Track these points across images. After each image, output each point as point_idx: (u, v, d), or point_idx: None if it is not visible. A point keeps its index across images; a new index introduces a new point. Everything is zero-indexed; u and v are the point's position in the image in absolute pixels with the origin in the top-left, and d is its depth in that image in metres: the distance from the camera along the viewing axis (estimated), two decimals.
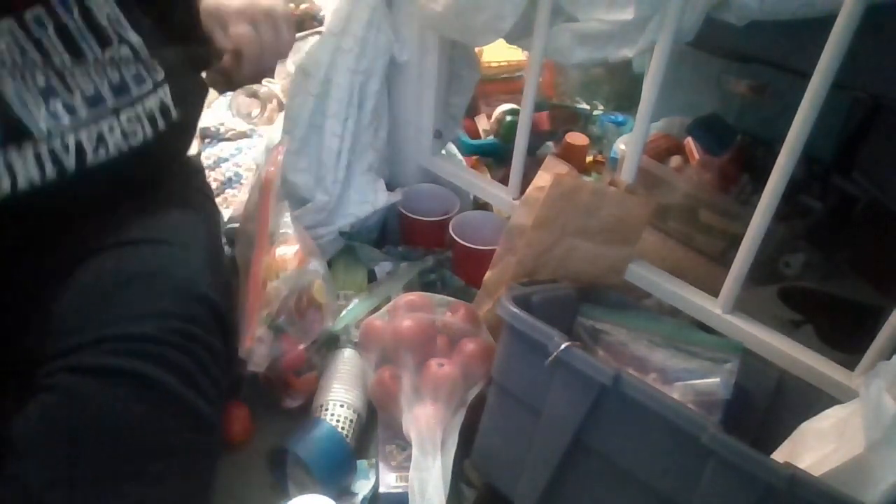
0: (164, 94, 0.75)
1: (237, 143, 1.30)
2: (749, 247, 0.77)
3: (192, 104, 0.82)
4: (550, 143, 1.39)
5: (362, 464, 0.80)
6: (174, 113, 0.76)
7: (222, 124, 1.33)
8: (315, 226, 1.02)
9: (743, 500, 0.56)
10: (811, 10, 0.68)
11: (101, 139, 0.69)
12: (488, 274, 0.89)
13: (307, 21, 1.65)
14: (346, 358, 0.89)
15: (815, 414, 0.65)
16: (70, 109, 0.67)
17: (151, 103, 0.73)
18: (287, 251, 0.88)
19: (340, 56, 0.96)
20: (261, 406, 0.87)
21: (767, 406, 0.78)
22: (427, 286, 1.03)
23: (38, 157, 0.65)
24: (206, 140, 1.32)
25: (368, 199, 1.06)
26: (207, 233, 0.80)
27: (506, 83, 1.49)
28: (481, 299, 0.90)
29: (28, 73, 0.65)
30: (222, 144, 1.30)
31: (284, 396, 0.87)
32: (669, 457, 0.60)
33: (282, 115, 1.13)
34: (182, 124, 0.78)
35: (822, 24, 0.64)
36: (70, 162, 0.67)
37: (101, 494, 0.57)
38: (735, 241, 0.79)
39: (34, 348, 0.62)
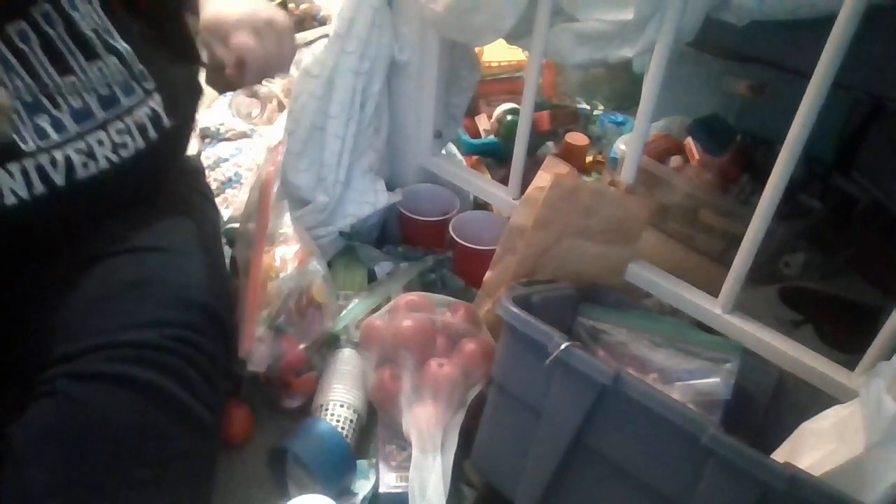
0: (156, 103, 0.74)
1: (237, 143, 1.30)
2: (749, 247, 0.77)
3: (184, 111, 0.81)
4: (550, 143, 1.39)
5: (362, 464, 0.80)
6: (166, 122, 0.75)
7: (222, 124, 1.33)
8: (315, 226, 1.02)
9: (743, 500, 0.56)
10: (811, 10, 0.68)
11: (90, 154, 0.68)
12: (488, 274, 0.89)
13: (307, 20, 1.65)
14: (346, 358, 0.89)
15: (815, 414, 0.65)
16: (57, 126, 0.66)
17: (142, 113, 0.72)
18: (287, 251, 0.88)
19: (343, 57, 0.96)
20: (261, 406, 0.87)
21: (767, 406, 0.78)
22: (427, 286, 1.03)
23: (24, 173, 0.65)
24: (206, 140, 1.32)
25: (368, 199, 1.06)
26: (206, 237, 0.80)
27: (506, 83, 1.49)
28: (481, 299, 0.90)
29: (13, 89, 0.64)
30: (222, 144, 1.30)
31: (284, 396, 0.87)
32: (669, 457, 0.60)
33: (282, 115, 1.13)
34: (175, 133, 0.78)
35: (822, 24, 0.64)
36: (59, 177, 0.66)
37: (100, 499, 0.57)
38: (735, 241, 0.79)
39: (34, 354, 0.62)
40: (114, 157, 0.70)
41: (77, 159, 0.67)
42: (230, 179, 1.23)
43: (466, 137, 1.38)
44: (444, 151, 1.18)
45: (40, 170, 0.65)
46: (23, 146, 0.64)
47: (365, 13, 0.95)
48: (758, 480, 0.55)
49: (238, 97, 1.42)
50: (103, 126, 0.69)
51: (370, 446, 0.84)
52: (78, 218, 0.69)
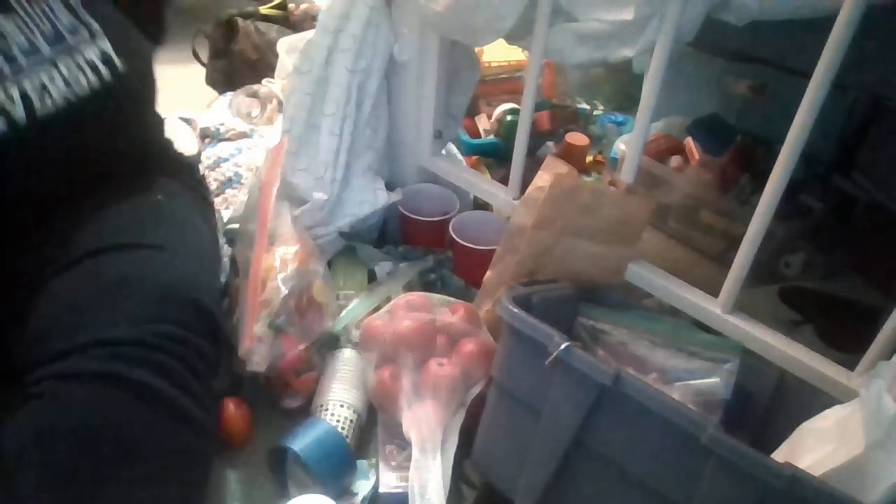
0: (104, 44, 0.75)
1: (237, 143, 1.30)
2: (749, 247, 0.77)
3: (138, 57, 0.81)
4: (550, 143, 1.39)
5: (362, 464, 0.80)
6: (119, 63, 0.75)
7: (222, 124, 1.33)
8: (314, 225, 1.02)
9: (743, 500, 0.56)
10: (811, 11, 0.68)
11: (44, 88, 0.69)
12: (488, 274, 0.89)
13: (307, 21, 1.65)
14: (346, 358, 0.89)
15: (815, 414, 0.65)
16: (8, 58, 0.67)
17: (92, 53, 0.73)
18: (287, 251, 0.88)
19: (338, 55, 0.96)
20: (261, 406, 0.87)
21: (767, 406, 0.78)
22: (427, 286, 1.03)
23: None
24: (206, 140, 1.32)
25: (368, 198, 1.06)
26: (202, 235, 0.79)
27: (506, 83, 1.49)
28: (481, 299, 0.90)
29: None
30: (222, 144, 1.30)
31: (284, 396, 0.87)
32: (669, 457, 0.60)
33: (282, 115, 1.13)
34: (130, 78, 0.77)
35: (822, 24, 0.64)
36: (19, 112, 0.67)
37: (91, 499, 0.56)
38: (735, 241, 0.79)
39: (23, 355, 0.61)
40: (69, 94, 0.71)
41: (34, 94, 0.68)
42: (230, 179, 1.23)
43: (466, 137, 1.38)
44: (444, 151, 1.18)
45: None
46: None
47: (361, 11, 0.95)
48: (758, 480, 0.55)
49: (238, 97, 1.42)
50: (53, 63, 0.70)
51: (370, 446, 0.84)
52: (51, 169, 0.69)
